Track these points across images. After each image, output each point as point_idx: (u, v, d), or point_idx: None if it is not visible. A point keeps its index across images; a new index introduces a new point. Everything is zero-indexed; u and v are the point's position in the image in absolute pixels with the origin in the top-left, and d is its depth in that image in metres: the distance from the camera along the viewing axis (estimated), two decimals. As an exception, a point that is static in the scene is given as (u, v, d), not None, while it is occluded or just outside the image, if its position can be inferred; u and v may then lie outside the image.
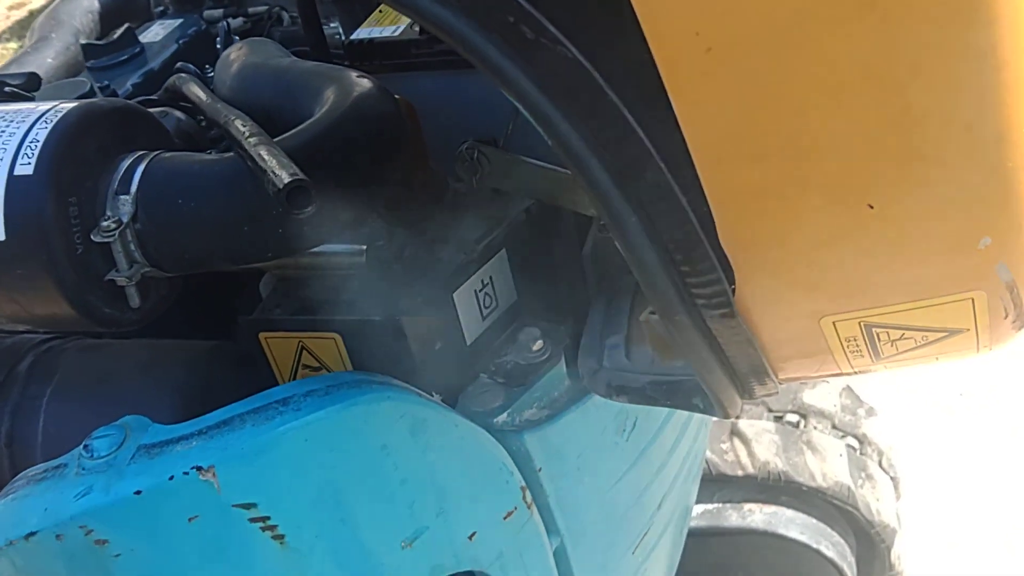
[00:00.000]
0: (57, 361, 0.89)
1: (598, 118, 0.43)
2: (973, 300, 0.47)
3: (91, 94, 1.06)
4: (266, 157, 0.62)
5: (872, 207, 0.43)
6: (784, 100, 0.41)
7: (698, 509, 1.68)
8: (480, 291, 0.85)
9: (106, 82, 1.11)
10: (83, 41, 1.20)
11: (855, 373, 0.55)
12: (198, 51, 1.20)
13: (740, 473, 1.68)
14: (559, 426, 0.83)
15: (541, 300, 0.92)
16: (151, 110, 0.89)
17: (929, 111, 0.40)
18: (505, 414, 0.82)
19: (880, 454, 1.81)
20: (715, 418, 1.50)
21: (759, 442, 1.69)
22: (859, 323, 0.50)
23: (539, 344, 0.85)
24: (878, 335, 0.50)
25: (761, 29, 0.39)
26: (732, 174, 0.43)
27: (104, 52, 1.17)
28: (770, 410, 1.75)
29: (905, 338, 0.50)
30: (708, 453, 1.68)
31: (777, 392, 0.57)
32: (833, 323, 0.50)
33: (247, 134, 0.67)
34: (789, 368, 0.55)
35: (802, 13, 0.38)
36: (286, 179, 0.58)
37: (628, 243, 0.46)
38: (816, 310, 0.49)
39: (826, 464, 1.71)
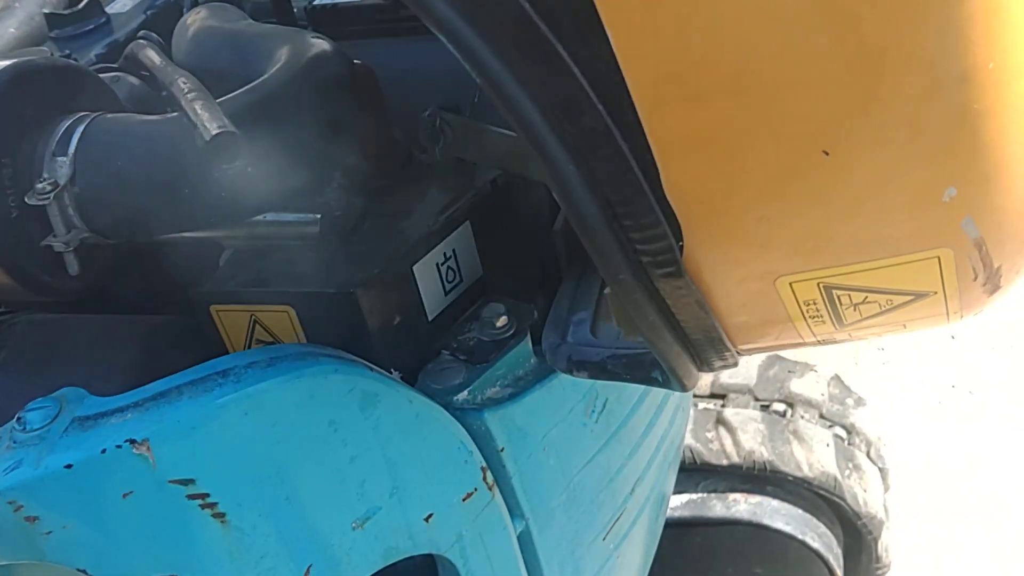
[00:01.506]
0: (4, 335, 0.86)
1: (530, 56, 0.39)
2: (939, 259, 0.44)
3: (52, 63, 1.02)
4: (199, 111, 0.58)
5: (827, 154, 0.40)
6: (728, 34, 0.38)
7: (682, 499, 1.65)
8: (443, 264, 0.82)
9: (68, 52, 1.07)
10: (47, 11, 1.16)
11: (818, 343, 0.52)
12: (166, 22, 1.16)
13: (725, 462, 1.65)
14: (523, 405, 0.80)
15: (508, 276, 0.89)
16: (104, 76, 0.86)
17: (887, 47, 0.37)
18: (466, 392, 0.78)
19: (868, 445, 1.78)
20: (689, 398, 1.47)
21: (744, 431, 1.66)
22: (818, 284, 0.46)
23: (503, 320, 0.82)
24: (839, 298, 0.47)
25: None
26: (675, 117, 0.40)
27: (68, 22, 1.14)
28: (756, 399, 1.72)
29: (868, 302, 0.47)
30: (693, 441, 1.65)
31: (736, 363, 0.53)
32: (790, 284, 0.46)
33: (186, 91, 0.64)
34: (746, 336, 0.51)
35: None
36: (214, 131, 0.55)
37: (566, 195, 0.43)
38: (770, 270, 0.46)
39: (813, 454, 1.68)
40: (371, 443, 0.70)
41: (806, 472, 1.64)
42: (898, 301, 0.47)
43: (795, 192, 0.42)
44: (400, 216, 0.83)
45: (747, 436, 1.65)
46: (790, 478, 1.64)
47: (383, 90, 0.84)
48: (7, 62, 0.69)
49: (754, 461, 1.63)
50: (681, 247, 0.45)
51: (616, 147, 0.41)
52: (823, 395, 1.74)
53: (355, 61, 0.79)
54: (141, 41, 0.92)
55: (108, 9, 1.18)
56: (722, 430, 1.67)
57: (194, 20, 0.89)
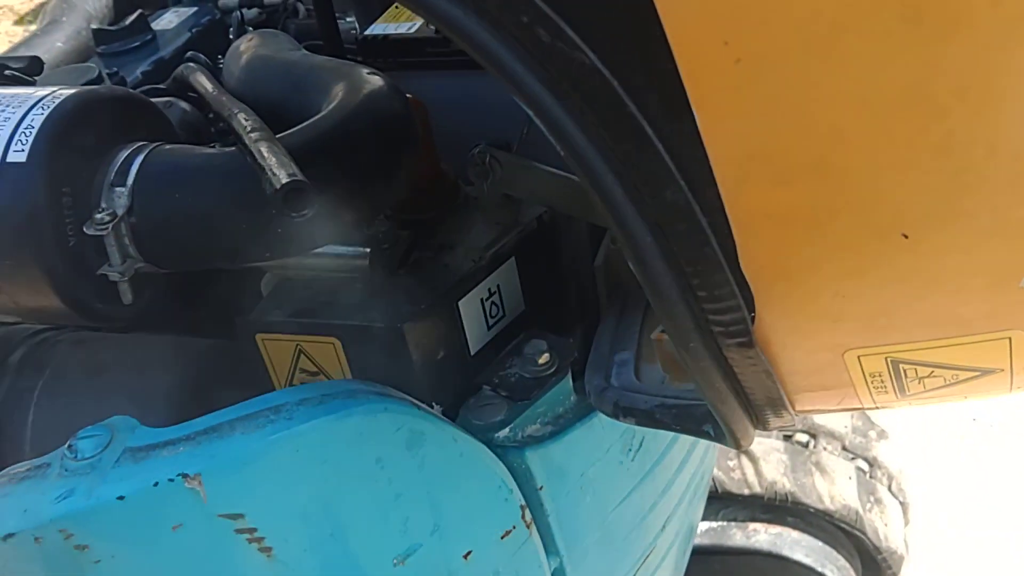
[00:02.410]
0: (50, 354, 0.87)
1: (616, 130, 0.40)
2: (1011, 339, 0.44)
3: (98, 80, 1.03)
4: (266, 154, 0.59)
5: (906, 237, 0.40)
6: (817, 119, 0.38)
7: (702, 527, 1.65)
8: (487, 300, 0.83)
9: (115, 69, 1.09)
10: (94, 26, 1.17)
11: (877, 408, 0.52)
12: (211, 40, 1.18)
13: (746, 492, 1.65)
14: (563, 443, 0.80)
15: (550, 312, 0.89)
16: (156, 100, 0.87)
17: (974, 138, 0.37)
18: (507, 429, 0.79)
19: (890, 478, 1.78)
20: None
21: (767, 461, 1.66)
22: (886, 358, 0.47)
23: (545, 357, 0.82)
24: (905, 371, 0.47)
25: (796, 41, 0.36)
26: (757, 196, 0.40)
27: (115, 38, 1.15)
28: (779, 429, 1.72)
29: (934, 376, 0.47)
30: (715, 470, 1.65)
31: (794, 424, 0.53)
32: (858, 357, 0.47)
33: (249, 129, 0.64)
34: (808, 400, 0.52)
35: (841, 25, 0.35)
36: (284, 179, 0.56)
37: (642, 264, 0.43)
38: (840, 343, 0.46)
39: (834, 486, 1.67)
40: (416, 481, 0.71)
41: (827, 504, 1.64)
42: (964, 376, 0.47)
43: (872, 272, 0.42)
44: (446, 250, 0.84)
45: (769, 466, 1.65)
46: (811, 510, 1.64)
47: (433, 123, 0.85)
48: (71, 91, 0.70)
49: (776, 492, 1.63)
50: (753, 318, 0.45)
51: (695, 221, 0.41)
52: (846, 427, 1.74)
53: (407, 95, 0.80)
54: (192, 65, 0.93)
55: (154, 25, 1.20)
56: (744, 459, 1.66)
57: (247, 48, 0.90)
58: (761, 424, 0.54)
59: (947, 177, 0.38)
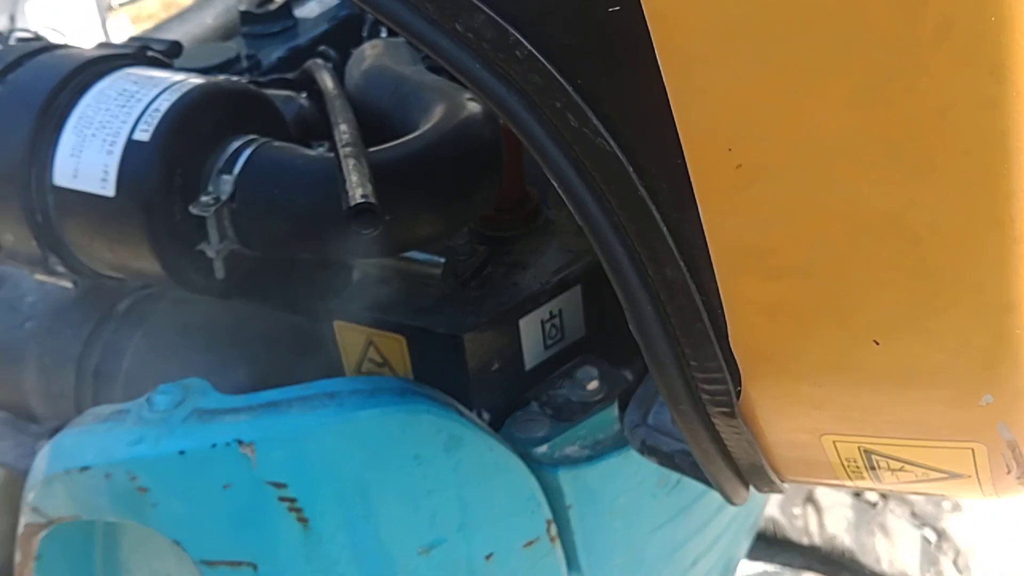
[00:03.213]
0: (150, 308, 0.96)
1: (628, 211, 0.44)
2: (973, 451, 0.47)
3: (236, 61, 1.12)
4: (350, 170, 0.65)
5: (878, 343, 0.43)
6: (805, 228, 0.42)
7: (755, 567, 1.66)
8: (547, 321, 0.87)
9: (254, 52, 1.17)
10: (242, 7, 1.26)
11: (856, 488, 0.55)
12: (345, 35, 1.25)
13: (805, 541, 1.65)
14: (598, 469, 0.85)
15: (610, 342, 0.93)
16: (280, 92, 0.94)
17: (943, 268, 0.40)
18: (545, 446, 0.83)
19: (957, 553, 1.74)
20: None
21: (831, 513, 1.66)
22: (859, 447, 0.49)
23: (594, 384, 0.87)
24: (878, 462, 0.50)
25: (791, 158, 0.40)
26: (748, 285, 0.44)
27: (259, 21, 1.23)
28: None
29: (905, 470, 0.50)
30: (778, 513, 1.66)
31: (782, 491, 0.57)
32: (834, 442, 0.50)
33: (343, 142, 0.71)
34: (791, 472, 0.55)
35: (832, 151, 0.39)
36: (358, 198, 0.62)
37: (641, 330, 0.48)
38: (817, 428, 0.49)
39: (896, 551, 1.66)
40: (449, 480, 0.76)
41: (885, 568, 1.63)
42: (933, 476, 0.50)
43: (847, 370, 0.45)
44: (518, 269, 0.89)
45: (833, 520, 1.65)
46: (868, 571, 1.63)
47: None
48: (197, 81, 0.78)
49: (835, 546, 1.63)
50: (739, 392, 0.49)
51: (691, 299, 0.46)
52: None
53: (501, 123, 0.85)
54: (319, 62, 1.01)
55: (296, 12, 1.28)
56: (809, 508, 1.67)
57: (370, 55, 0.97)
58: (753, 487, 0.57)
59: (918, 298, 0.41)
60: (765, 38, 0.38)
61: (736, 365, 0.47)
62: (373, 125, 0.88)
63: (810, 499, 1.69)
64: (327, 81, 0.93)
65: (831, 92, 0.38)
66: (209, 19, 1.26)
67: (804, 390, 0.47)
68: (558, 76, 0.42)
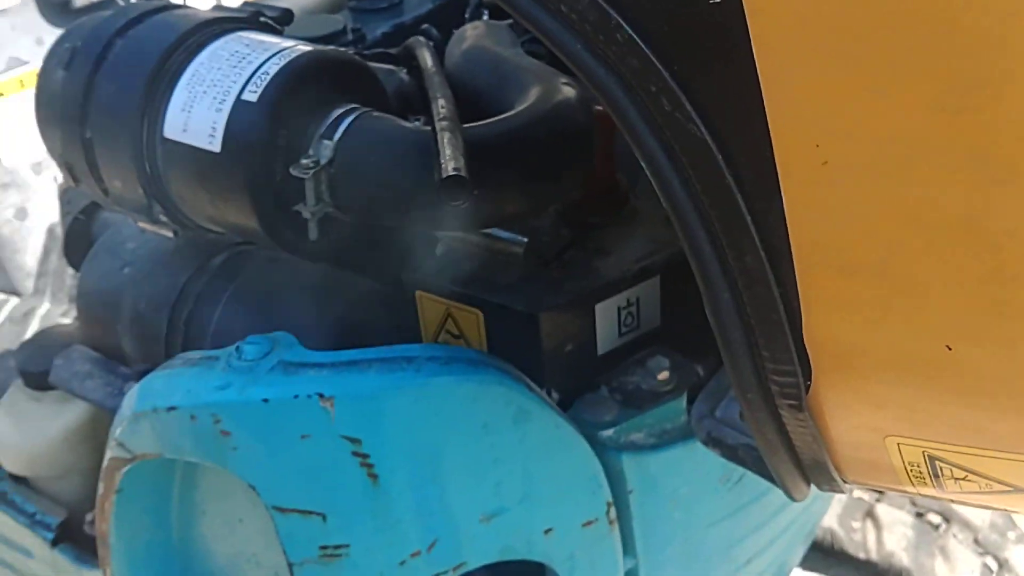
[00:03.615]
0: (245, 263, 1.00)
1: (713, 197, 0.45)
2: (1046, 464, 0.47)
3: (342, 34, 1.15)
4: (444, 143, 0.67)
5: (949, 348, 0.44)
6: (882, 226, 0.42)
7: (809, 577, 1.65)
8: (624, 309, 0.89)
9: (359, 26, 1.20)
10: (352, -19, 1.29)
11: (921, 496, 0.55)
12: (449, 15, 1.27)
13: (862, 556, 1.64)
14: (661, 458, 0.86)
15: (685, 335, 0.94)
16: (382, 66, 0.97)
17: (1020, 275, 0.40)
18: (611, 430, 0.85)
19: (1019, 584, 1.71)
20: (853, 493, 1.47)
21: (891, 531, 1.64)
22: (923, 452, 0.50)
23: (665, 374, 0.88)
24: (941, 469, 0.51)
25: (874, 157, 0.40)
26: (824, 280, 0.45)
27: (368, -5, 1.26)
28: (914, 503, 1.69)
29: (969, 480, 0.50)
30: (836, 525, 1.64)
31: (843, 491, 0.57)
32: (898, 444, 0.50)
33: (440, 116, 0.73)
34: (853, 473, 0.56)
35: (916, 152, 0.40)
36: (449, 171, 0.64)
37: (718, 316, 0.49)
38: (882, 428, 0.50)
39: (954, 576, 1.64)
40: (515, 452, 0.79)
41: (942, 591, 1.60)
42: (998, 488, 0.50)
43: (915, 371, 0.46)
44: (600, 255, 0.90)
45: (893, 537, 1.63)
46: (924, 592, 1.61)
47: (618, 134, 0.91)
48: (306, 48, 0.81)
49: (891, 564, 1.61)
50: (808, 385, 0.50)
51: (768, 289, 0.47)
52: (984, 520, 1.69)
53: (597, 107, 0.86)
54: (421, 39, 1.03)
55: (403, -9, 1.30)
56: (869, 524, 1.65)
57: (471, 35, 0.99)
58: (812, 482, 0.58)
59: (992, 305, 0.42)
60: (858, 37, 0.39)
61: (807, 358, 0.48)
62: (469, 103, 0.90)
63: (870, 514, 1.67)
64: (427, 58, 0.95)
65: (918, 95, 0.38)
66: (319, -10, 1.29)
67: (872, 388, 0.48)
68: (655, 61, 0.44)
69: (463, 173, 0.64)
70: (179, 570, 0.96)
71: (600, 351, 0.89)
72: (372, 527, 0.77)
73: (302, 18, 1.16)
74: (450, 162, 0.64)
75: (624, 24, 0.43)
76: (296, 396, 0.73)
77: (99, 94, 0.84)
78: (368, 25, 1.22)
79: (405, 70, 0.99)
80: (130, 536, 0.90)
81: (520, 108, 0.80)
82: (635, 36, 0.43)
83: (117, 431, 0.83)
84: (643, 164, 0.47)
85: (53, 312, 1.61)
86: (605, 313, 0.87)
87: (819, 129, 0.41)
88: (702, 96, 0.44)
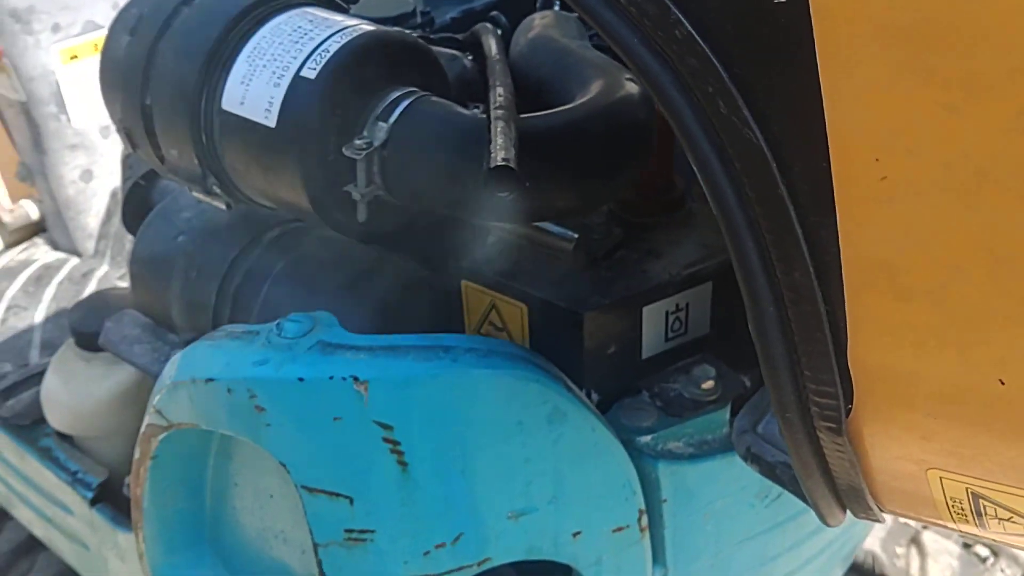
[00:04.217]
0: (296, 241, 1.00)
1: (765, 207, 0.44)
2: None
3: (411, 15, 1.14)
4: (497, 133, 0.66)
5: (1003, 383, 0.41)
6: (942, 252, 0.40)
7: (847, 600, 1.61)
8: (672, 313, 0.87)
9: (429, 9, 1.19)
10: (425, -35, 1.28)
11: (959, 532, 0.53)
12: (518, 4, 1.26)
13: (903, 582, 1.59)
14: (698, 469, 0.84)
15: (734, 345, 0.92)
16: (446, 51, 0.96)
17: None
18: (649, 437, 0.83)
19: (1066, 627, 1.66)
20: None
21: (936, 560, 1.60)
22: (967, 488, 0.48)
23: (710, 384, 0.86)
24: (985, 508, 0.48)
25: (938, 176, 0.38)
26: (876, 302, 0.43)
27: (440, -22, 1.25)
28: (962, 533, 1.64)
29: (1014, 522, 0.48)
30: (878, 548, 1.61)
31: (880, 520, 0.55)
32: (940, 478, 0.48)
33: (496, 104, 0.72)
34: (891, 502, 0.53)
35: (986, 174, 0.37)
36: (498, 160, 0.63)
37: (760, 330, 0.47)
38: (925, 460, 0.48)
39: (1000, 612, 1.59)
40: (547, 452, 0.77)
41: (985, 627, 1.56)
42: (1045, 533, 0.48)
43: (966, 405, 0.44)
44: (652, 256, 0.88)
45: (937, 566, 1.59)
46: (965, 626, 1.57)
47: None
48: (368, 28, 0.80)
49: (934, 593, 1.57)
50: (849, 409, 0.47)
51: (815, 307, 0.44)
52: (1036, 558, 1.64)
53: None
54: (487, 26, 1.02)
55: (476, -23, 1.29)
56: (913, 551, 1.61)
57: (538, 25, 0.98)
58: (847, 509, 0.56)
59: (1053, 342, 0.39)
60: (932, 48, 0.36)
61: (850, 382, 0.46)
62: (531, 92, 0.89)
63: (915, 541, 1.63)
64: (492, 45, 0.94)
65: (996, 115, 0.36)
66: (391, -29, 1.28)
67: (917, 419, 0.46)
68: (714, 60, 0.42)
69: (512, 164, 0.63)
70: (210, 540, 0.97)
71: (644, 355, 0.87)
72: (399, 515, 0.76)
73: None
74: (500, 152, 0.63)
75: (684, 20, 0.42)
76: (331, 377, 0.72)
77: (161, 62, 0.84)
78: (438, 9, 1.21)
79: (470, 56, 0.98)
80: (163, 502, 0.91)
81: (580, 101, 0.78)
82: (695, 33, 0.42)
83: (156, 399, 0.83)
84: (695, 167, 0.45)
85: (111, 274, 1.63)
86: (652, 316, 0.85)
87: (880, 142, 0.39)
88: (760, 100, 0.42)
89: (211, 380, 0.76)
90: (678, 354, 0.89)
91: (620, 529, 0.83)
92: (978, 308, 0.40)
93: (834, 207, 0.41)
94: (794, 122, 0.41)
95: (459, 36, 1.06)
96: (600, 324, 0.83)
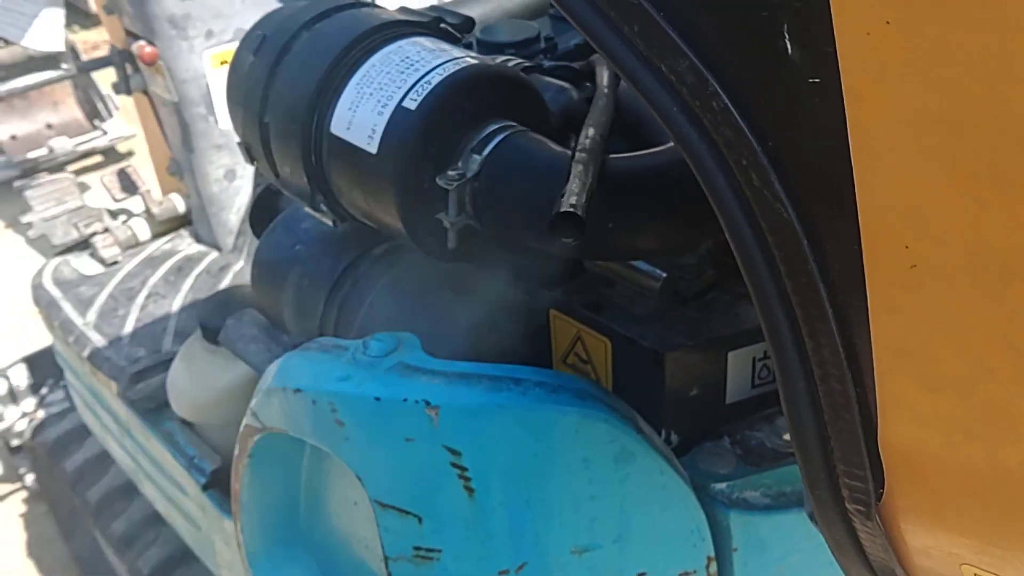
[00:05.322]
0: (403, 257, 1.03)
1: (796, 281, 0.43)
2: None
3: (534, 41, 1.16)
4: (572, 175, 0.67)
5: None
6: (972, 344, 0.38)
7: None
8: (760, 360, 0.85)
9: (553, 35, 1.20)
10: (556, -11, 1.30)
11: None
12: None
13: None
14: (773, 521, 0.82)
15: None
16: (555, 81, 0.97)
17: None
18: (725, 484, 0.82)
19: None
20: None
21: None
22: (1003, 589, 0.45)
23: (792, 435, 0.84)
24: (1023, 612, 0.46)
25: (966, 270, 0.37)
26: (906, 390, 0.41)
27: (568, 6, 1.27)
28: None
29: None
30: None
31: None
32: (974, 574, 0.46)
33: (581, 147, 0.72)
34: (928, 588, 0.51)
35: (1015, 268, 0.36)
36: (565, 206, 0.63)
37: (790, 404, 0.46)
38: (957, 554, 0.46)
39: None
40: (613, 491, 0.77)
41: None
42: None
43: (995, 504, 0.42)
44: (744, 300, 0.87)
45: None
46: None
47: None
48: (471, 62, 0.82)
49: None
50: (880, 494, 0.46)
51: (844, 388, 0.43)
52: None
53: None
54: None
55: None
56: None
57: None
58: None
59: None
60: (962, 138, 0.35)
61: (881, 466, 0.45)
62: (632, 130, 0.89)
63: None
64: (603, 77, 0.95)
65: (1021, 211, 0.35)
66: (524, -5, 1.31)
67: (949, 512, 0.44)
68: (748, 134, 0.41)
69: (579, 212, 0.63)
70: (304, 537, 1.01)
71: (728, 400, 0.86)
72: (464, 538, 0.78)
73: (499, 22, 1.18)
74: (570, 198, 0.64)
75: (721, 92, 0.42)
76: (405, 399, 0.75)
77: (279, 82, 0.89)
78: (563, 35, 1.22)
79: (576, 89, 0.99)
80: (260, 497, 0.96)
81: (670, 144, 0.78)
82: (731, 106, 0.41)
83: (254, 401, 0.88)
84: (727, 234, 0.45)
85: (245, 271, 1.72)
86: (738, 362, 0.84)
87: (910, 229, 0.38)
88: (792, 177, 0.41)
89: (299, 391, 0.80)
90: (763, 402, 0.87)
91: (686, 574, 0.82)
92: (1005, 405, 0.39)
93: (865, 289, 0.41)
94: (826, 202, 0.40)
95: (576, 65, 1.07)
96: (682, 365, 0.82)
